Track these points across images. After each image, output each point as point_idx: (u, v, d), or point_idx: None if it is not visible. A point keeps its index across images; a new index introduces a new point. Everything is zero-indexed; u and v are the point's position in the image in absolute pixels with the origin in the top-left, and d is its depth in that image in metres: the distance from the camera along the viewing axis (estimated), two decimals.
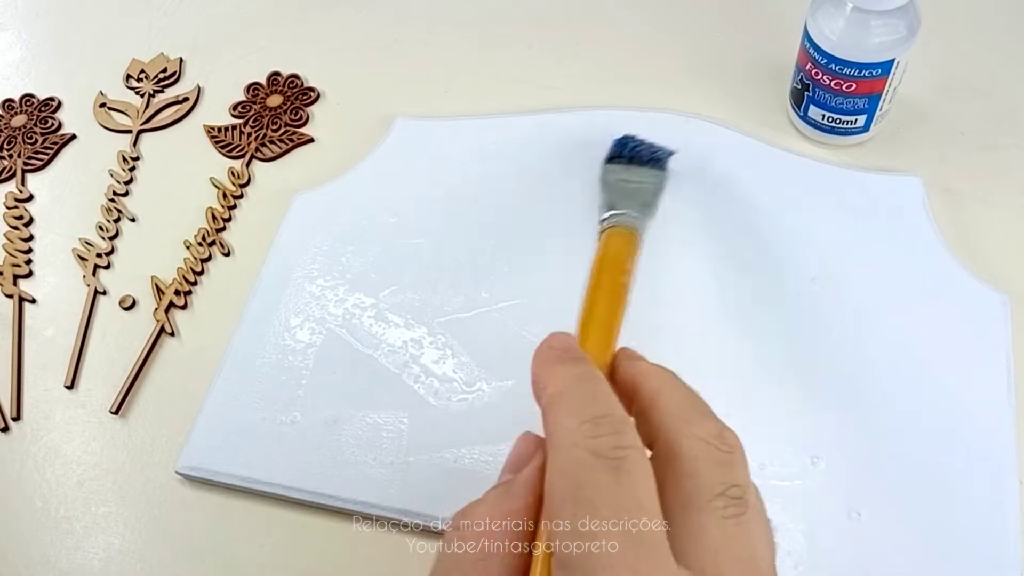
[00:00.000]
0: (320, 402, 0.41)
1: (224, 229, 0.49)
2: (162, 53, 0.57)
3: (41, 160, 0.53)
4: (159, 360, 0.45)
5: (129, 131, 0.54)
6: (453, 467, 0.39)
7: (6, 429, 0.43)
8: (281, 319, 0.44)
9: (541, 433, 0.27)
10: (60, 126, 0.55)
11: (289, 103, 0.54)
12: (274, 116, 0.53)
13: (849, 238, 0.44)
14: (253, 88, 0.55)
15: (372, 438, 0.40)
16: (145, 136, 0.54)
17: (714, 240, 0.45)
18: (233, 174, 0.51)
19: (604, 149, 0.46)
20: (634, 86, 0.52)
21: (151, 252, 0.49)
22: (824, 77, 0.45)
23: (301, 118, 0.53)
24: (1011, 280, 0.43)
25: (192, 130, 0.54)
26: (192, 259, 0.48)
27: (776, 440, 0.39)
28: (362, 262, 0.46)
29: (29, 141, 0.54)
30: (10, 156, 0.53)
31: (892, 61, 0.43)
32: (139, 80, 0.56)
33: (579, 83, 0.53)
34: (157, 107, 0.55)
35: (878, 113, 0.46)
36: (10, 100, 0.56)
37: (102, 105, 0.55)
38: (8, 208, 0.51)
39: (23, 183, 0.52)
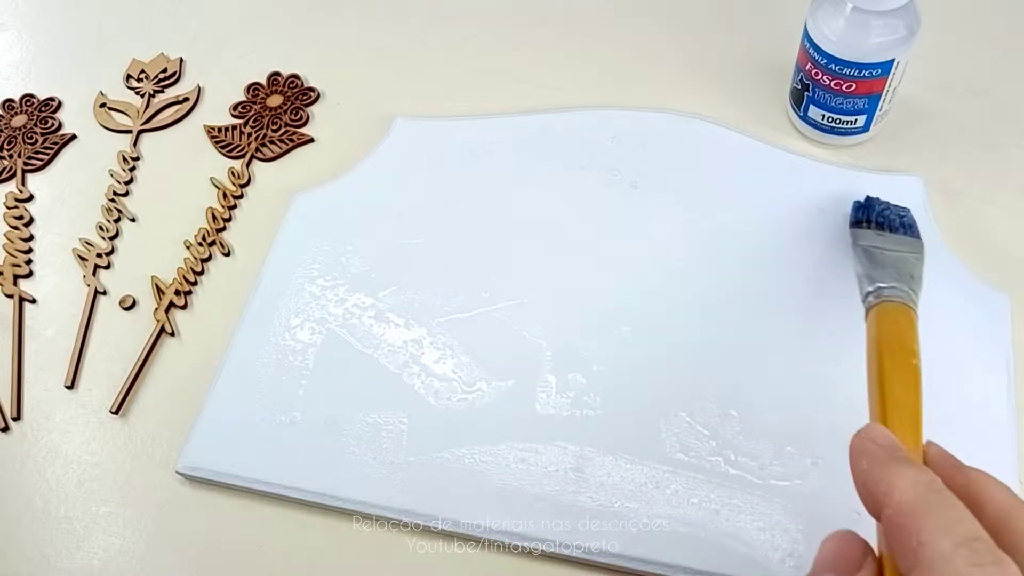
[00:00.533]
0: (320, 402, 0.42)
1: (224, 229, 0.49)
2: (162, 53, 0.57)
3: (41, 160, 0.53)
4: (159, 360, 0.45)
5: (129, 131, 0.54)
6: (453, 467, 0.39)
7: (6, 429, 0.43)
8: (281, 319, 0.44)
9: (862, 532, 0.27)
10: (60, 126, 0.55)
11: (289, 103, 0.54)
12: (274, 116, 0.53)
13: (849, 238, 0.44)
14: (253, 88, 0.55)
15: (372, 438, 0.40)
16: (145, 136, 0.54)
17: (714, 240, 0.45)
18: (233, 174, 0.51)
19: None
20: (634, 86, 0.52)
21: (151, 252, 0.49)
22: (824, 77, 0.45)
23: (301, 118, 0.53)
24: (1011, 280, 0.43)
25: (192, 130, 0.54)
26: (192, 259, 0.48)
27: (777, 440, 0.39)
28: (362, 262, 0.46)
29: (29, 141, 0.54)
30: (10, 156, 0.53)
31: (892, 61, 0.43)
32: (139, 80, 0.56)
33: (579, 83, 0.53)
34: (157, 107, 0.55)
35: (878, 113, 0.46)
36: (10, 100, 0.56)
37: (102, 105, 0.55)
38: (8, 208, 0.51)
39: (23, 183, 0.52)
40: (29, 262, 0.49)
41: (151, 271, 0.47)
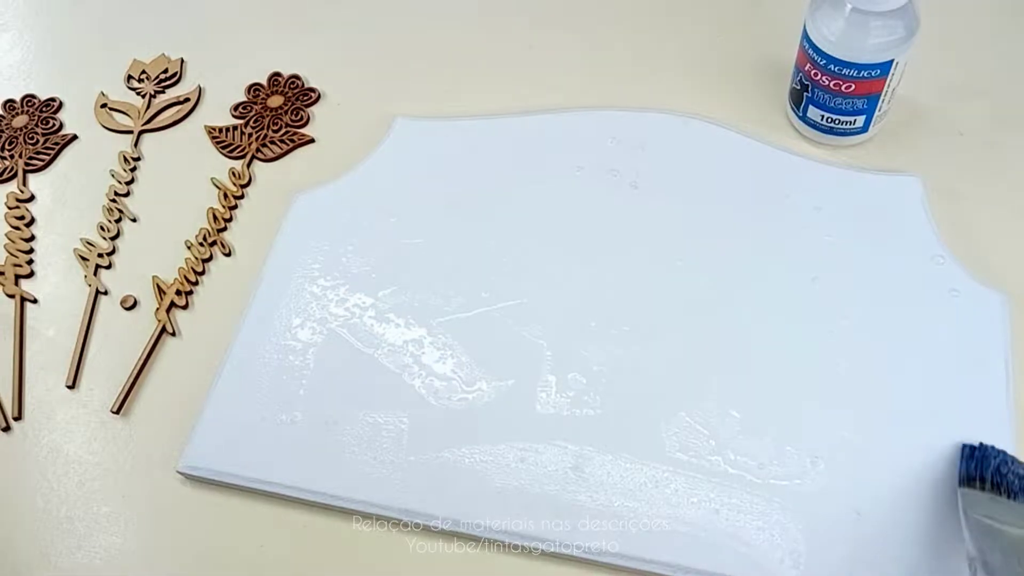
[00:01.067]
0: (320, 402, 0.42)
1: (225, 229, 0.49)
2: (163, 54, 0.57)
3: (42, 160, 0.53)
4: (160, 360, 0.45)
5: (130, 131, 0.54)
6: (453, 467, 0.39)
7: (8, 429, 0.44)
8: (282, 319, 0.44)
9: None
10: (61, 126, 0.55)
11: (290, 103, 0.54)
12: (275, 116, 0.53)
13: (849, 238, 0.44)
14: (254, 89, 0.55)
15: (372, 438, 0.40)
16: (146, 136, 0.54)
17: (713, 240, 0.45)
18: (234, 174, 0.51)
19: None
20: (634, 86, 0.52)
21: (152, 252, 0.49)
22: (823, 78, 0.45)
23: (302, 118, 0.53)
24: (1011, 280, 0.43)
25: (193, 130, 0.54)
26: (193, 259, 0.48)
27: (776, 440, 0.39)
28: (363, 262, 0.46)
29: (30, 141, 0.54)
30: (11, 156, 0.53)
31: (891, 62, 0.43)
32: (140, 81, 0.56)
33: (579, 83, 0.53)
34: (158, 107, 0.55)
35: (877, 113, 0.46)
36: (11, 101, 0.56)
37: (103, 105, 0.55)
38: (10, 208, 0.51)
39: (24, 183, 0.52)
40: (30, 262, 0.49)
41: (152, 271, 0.48)
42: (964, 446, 0.35)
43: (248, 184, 0.51)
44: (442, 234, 0.46)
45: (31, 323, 0.47)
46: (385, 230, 0.47)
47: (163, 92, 0.56)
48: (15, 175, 0.53)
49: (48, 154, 0.53)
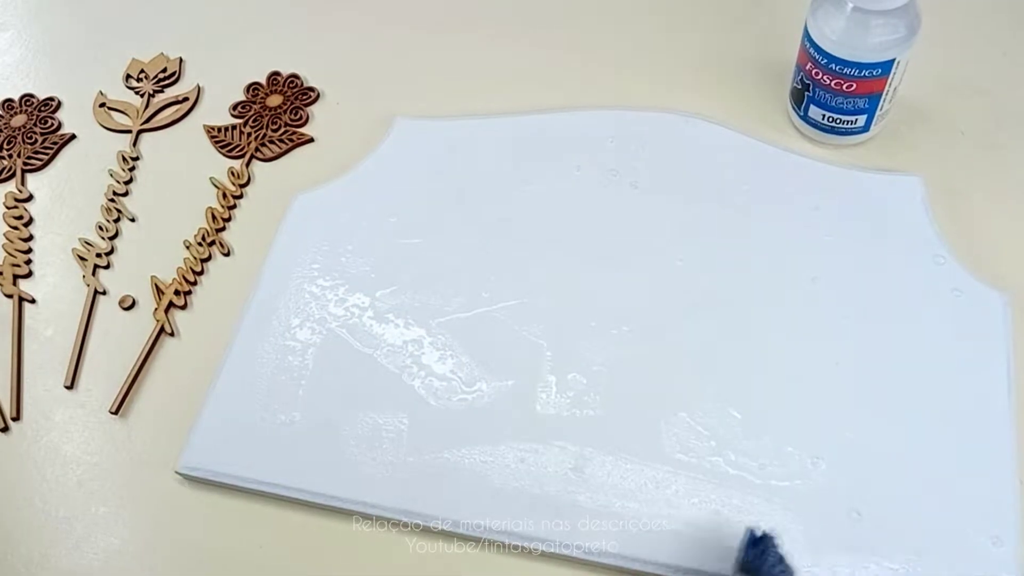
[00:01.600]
0: (320, 402, 0.42)
1: (224, 229, 0.49)
2: (162, 53, 0.57)
3: (41, 160, 0.53)
4: (159, 360, 0.45)
5: (129, 131, 0.54)
6: (453, 467, 0.39)
7: (6, 429, 0.43)
8: (281, 319, 0.44)
9: None
10: (60, 126, 0.55)
11: (289, 103, 0.54)
12: (274, 116, 0.53)
13: (849, 237, 0.44)
14: (253, 88, 0.55)
15: (372, 438, 0.40)
16: (145, 136, 0.54)
17: (714, 240, 0.45)
18: (233, 174, 0.51)
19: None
20: (634, 86, 0.52)
21: (151, 252, 0.48)
22: (824, 77, 0.45)
23: (301, 118, 0.53)
24: (1011, 280, 0.43)
25: (192, 130, 0.54)
26: (192, 259, 0.48)
27: (776, 440, 0.39)
28: (362, 262, 0.46)
29: (29, 141, 0.54)
30: (10, 156, 0.53)
31: (892, 61, 0.43)
32: (139, 80, 0.56)
33: (579, 83, 0.53)
34: (157, 107, 0.55)
35: (878, 113, 0.46)
36: (10, 100, 0.56)
37: (102, 105, 0.55)
38: (8, 208, 0.51)
39: (23, 183, 0.52)
40: (29, 262, 0.49)
41: (151, 271, 0.47)
42: (749, 530, 0.34)
43: (247, 184, 0.51)
44: (442, 234, 0.46)
45: (29, 323, 0.47)
46: (384, 230, 0.47)
47: (162, 91, 0.56)
48: (13, 175, 0.52)
49: (46, 153, 0.53)
